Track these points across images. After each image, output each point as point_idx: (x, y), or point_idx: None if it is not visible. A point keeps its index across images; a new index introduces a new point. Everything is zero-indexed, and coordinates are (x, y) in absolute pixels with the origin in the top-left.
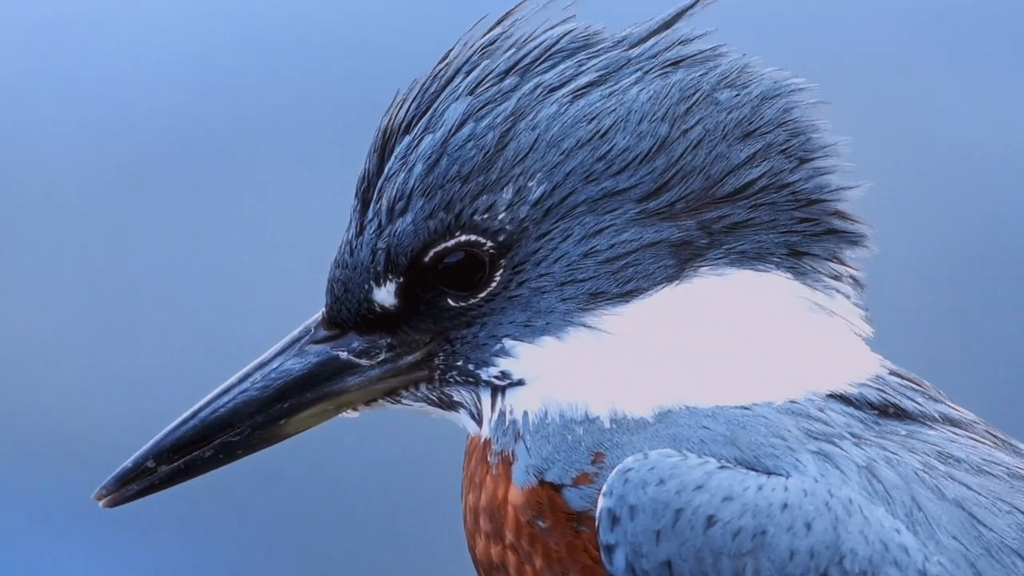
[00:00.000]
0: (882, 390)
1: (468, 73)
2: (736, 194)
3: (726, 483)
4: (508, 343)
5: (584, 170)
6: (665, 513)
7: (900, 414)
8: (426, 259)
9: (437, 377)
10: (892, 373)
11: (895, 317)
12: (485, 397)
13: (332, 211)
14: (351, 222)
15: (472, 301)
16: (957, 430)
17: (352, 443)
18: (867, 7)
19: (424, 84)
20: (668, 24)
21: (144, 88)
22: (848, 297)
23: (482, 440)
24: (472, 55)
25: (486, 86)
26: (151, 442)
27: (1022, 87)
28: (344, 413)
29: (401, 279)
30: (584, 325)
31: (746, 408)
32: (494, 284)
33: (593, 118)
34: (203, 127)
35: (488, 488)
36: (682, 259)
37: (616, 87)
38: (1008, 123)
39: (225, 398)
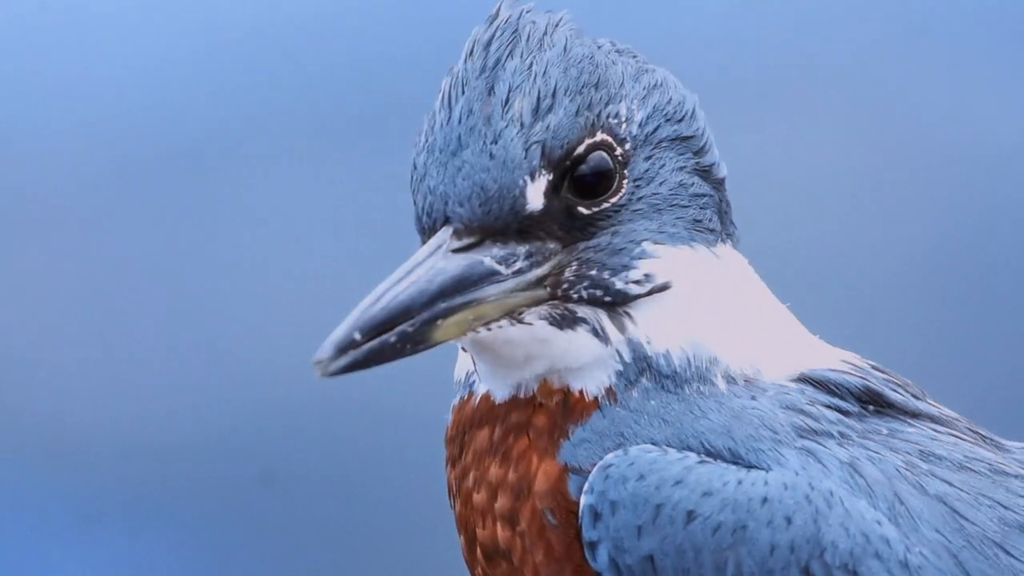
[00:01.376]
0: (865, 379)
1: (535, 20)
2: (719, 183)
3: (705, 478)
4: (649, 246)
5: (662, 109)
6: (646, 508)
7: (883, 406)
8: (580, 150)
9: (562, 292)
10: (874, 368)
11: (879, 316)
12: (607, 318)
13: (328, 210)
14: (467, 138)
15: (605, 206)
16: (939, 427)
17: (349, 441)
18: (853, 5)
19: (498, 24)
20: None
21: (138, 88)
22: None
23: (579, 391)
24: (525, 12)
25: (564, 26)
26: (353, 316)
27: (1009, 87)
28: (472, 331)
29: (551, 175)
30: (705, 244)
31: (753, 397)
32: (623, 192)
33: (646, 71)
34: (198, 127)
35: (525, 460)
36: (718, 225)
37: (639, 58)
38: (996, 122)
39: (400, 287)
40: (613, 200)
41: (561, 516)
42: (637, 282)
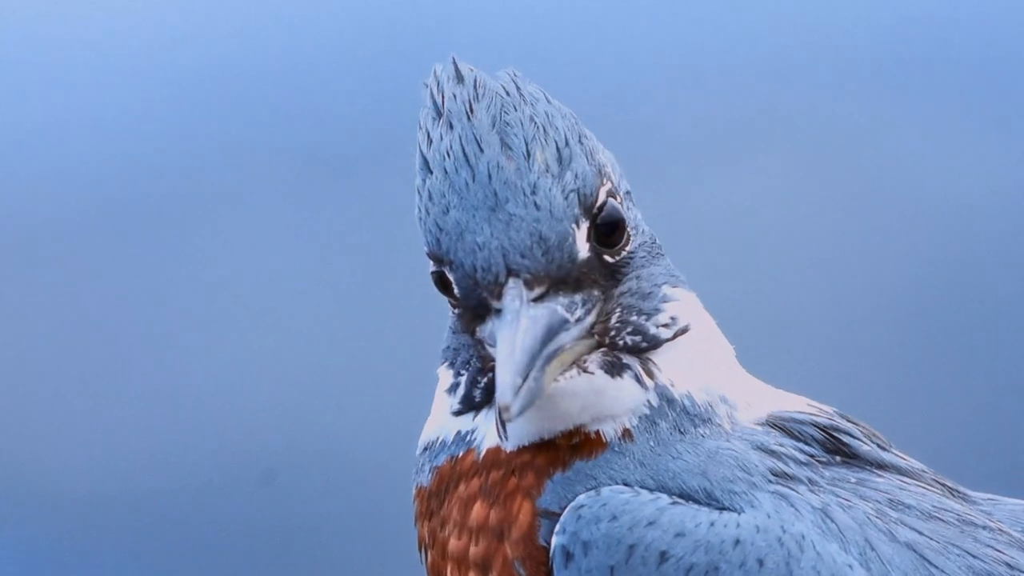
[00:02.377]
0: (831, 419)
1: (497, 77)
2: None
3: (678, 519)
4: (668, 289)
5: (611, 160)
6: (618, 549)
7: (850, 456)
8: (602, 198)
9: (609, 340)
10: (839, 415)
11: (845, 365)
12: (643, 364)
13: (301, 254)
14: (504, 192)
15: (624, 254)
16: (906, 479)
17: (346, 450)
18: (821, 50)
19: (474, 84)
20: None
21: (111, 132)
22: None
23: (594, 433)
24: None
25: (527, 85)
26: (513, 361)
27: (975, 135)
28: (553, 381)
29: (588, 222)
30: (689, 289)
31: (727, 439)
32: (632, 238)
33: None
34: (174, 171)
35: (512, 499)
36: None
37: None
38: (962, 171)
39: (520, 333)
40: (628, 248)
41: (531, 567)
42: (665, 326)
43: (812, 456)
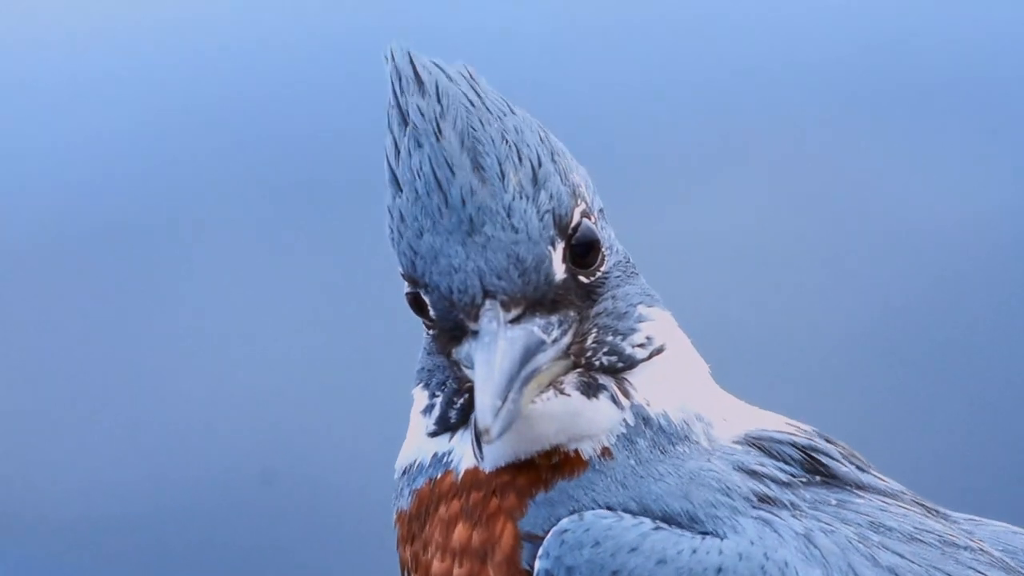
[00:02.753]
0: (810, 439)
1: (453, 80)
2: None
3: (660, 545)
4: (643, 308)
5: (584, 177)
6: (601, 575)
7: (830, 476)
8: (576, 218)
9: (585, 361)
10: (819, 435)
11: (825, 385)
12: (618, 384)
13: (292, 278)
14: (479, 217)
15: (599, 274)
16: (886, 499)
17: (347, 453)
18: (804, 72)
19: (435, 95)
20: None
21: (101, 156)
22: None
23: (573, 452)
24: (438, 74)
25: (490, 93)
26: (491, 383)
27: (962, 153)
28: (531, 403)
29: (563, 243)
30: (664, 308)
31: (708, 458)
32: (606, 258)
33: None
34: (162, 196)
35: (494, 520)
36: None
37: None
38: (949, 192)
39: (499, 354)
40: (603, 268)
41: None
42: (641, 345)
43: (792, 476)
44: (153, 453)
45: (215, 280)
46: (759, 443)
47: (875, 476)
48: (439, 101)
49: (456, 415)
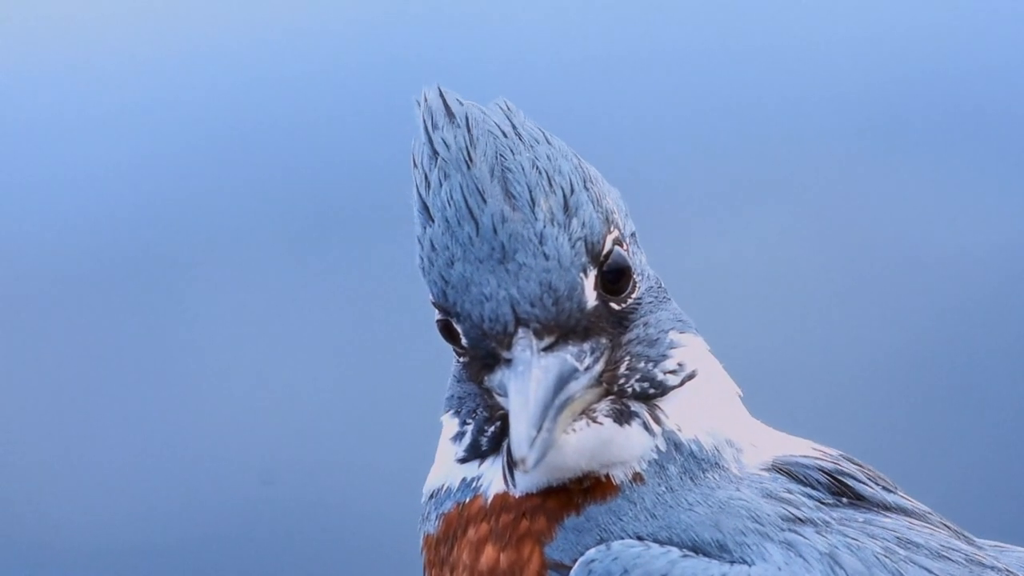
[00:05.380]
0: (836, 463)
1: (484, 113)
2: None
3: (688, 572)
4: (675, 335)
5: (617, 201)
6: None
7: (856, 498)
8: (608, 245)
9: (617, 388)
10: (845, 458)
11: (851, 409)
12: (650, 411)
13: (295, 309)
14: (511, 244)
15: (630, 301)
16: (913, 519)
17: (347, 463)
18: (824, 107)
19: (468, 126)
20: None
21: (110, 187)
22: None
23: (604, 477)
24: (470, 108)
25: (524, 122)
26: (527, 413)
27: (987, 186)
28: (564, 433)
29: (595, 271)
30: (700, 334)
31: (738, 487)
32: (638, 284)
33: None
34: (172, 227)
35: (523, 543)
36: None
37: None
38: (971, 221)
39: (532, 386)
40: (635, 295)
41: None
42: (673, 372)
43: (819, 501)
44: (160, 467)
45: (223, 302)
46: (786, 468)
47: (902, 497)
48: (469, 131)
49: (487, 443)
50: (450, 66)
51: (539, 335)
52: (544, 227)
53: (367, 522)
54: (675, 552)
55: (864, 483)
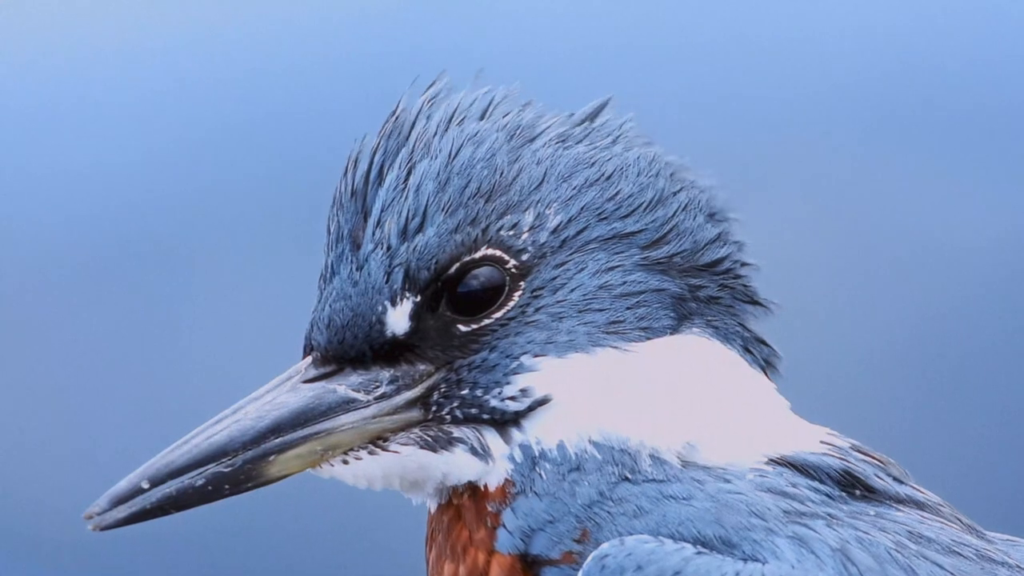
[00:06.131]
0: (844, 459)
1: (431, 116)
2: (710, 267)
3: (703, 569)
4: (528, 360)
5: (596, 208)
6: None
7: (867, 490)
8: (452, 271)
9: (433, 414)
10: (856, 449)
11: (858, 401)
12: (490, 433)
13: (296, 305)
14: (337, 265)
15: (486, 322)
16: (924, 513)
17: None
18: (828, 103)
19: (384, 133)
20: (597, 112)
21: (108, 182)
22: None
23: (483, 486)
24: (425, 107)
25: (467, 121)
26: (145, 465)
27: (996, 177)
28: (327, 463)
29: (418, 297)
30: (613, 345)
31: (727, 480)
32: (511, 305)
33: (593, 163)
34: (169, 221)
35: (469, 554)
36: (679, 314)
37: (599, 145)
38: (979, 212)
39: (218, 427)
40: (497, 315)
41: None
42: (513, 398)
43: (827, 495)
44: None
45: (223, 296)
46: (793, 463)
47: (914, 488)
48: (382, 132)
49: None
50: (456, 58)
51: (317, 363)
52: (372, 250)
53: (367, 521)
54: (689, 548)
55: (875, 477)
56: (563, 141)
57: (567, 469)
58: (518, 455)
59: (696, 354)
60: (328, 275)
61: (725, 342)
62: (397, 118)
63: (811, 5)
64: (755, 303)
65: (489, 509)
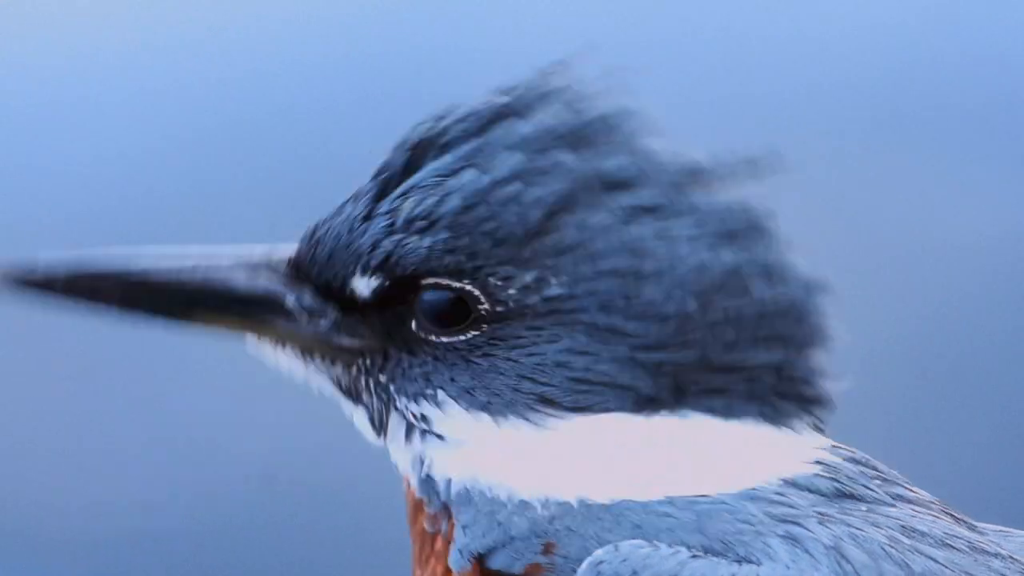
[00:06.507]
0: (835, 478)
1: (526, 119)
2: (726, 370)
3: (699, 573)
4: (442, 395)
5: (606, 298)
6: None
7: (856, 499)
8: (423, 283)
9: (356, 371)
10: (847, 459)
11: (858, 402)
12: (397, 422)
13: None
14: (360, 196)
15: (432, 339)
16: (915, 507)
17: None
18: (834, 98)
19: (477, 110)
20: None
21: (109, 184)
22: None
23: (411, 488)
24: (533, 100)
25: (544, 149)
26: (73, 257)
27: (1000, 175)
28: (249, 342)
29: (386, 283)
30: (526, 419)
31: (702, 496)
32: (462, 337)
33: (638, 255)
34: (171, 223)
35: (431, 567)
36: (643, 406)
37: (671, 231)
38: (984, 209)
39: (163, 265)
40: (444, 340)
41: None
42: (414, 415)
43: (817, 500)
44: (160, 462)
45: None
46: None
47: (904, 487)
48: (475, 118)
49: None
50: (456, 58)
51: (290, 262)
52: (382, 215)
53: (366, 520)
54: (684, 553)
55: (864, 489)
56: (643, 213)
57: (477, 504)
58: (414, 467)
59: (650, 426)
60: (351, 199)
61: (721, 415)
62: (499, 104)
63: (811, 2)
64: (798, 382)
65: (433, 516)
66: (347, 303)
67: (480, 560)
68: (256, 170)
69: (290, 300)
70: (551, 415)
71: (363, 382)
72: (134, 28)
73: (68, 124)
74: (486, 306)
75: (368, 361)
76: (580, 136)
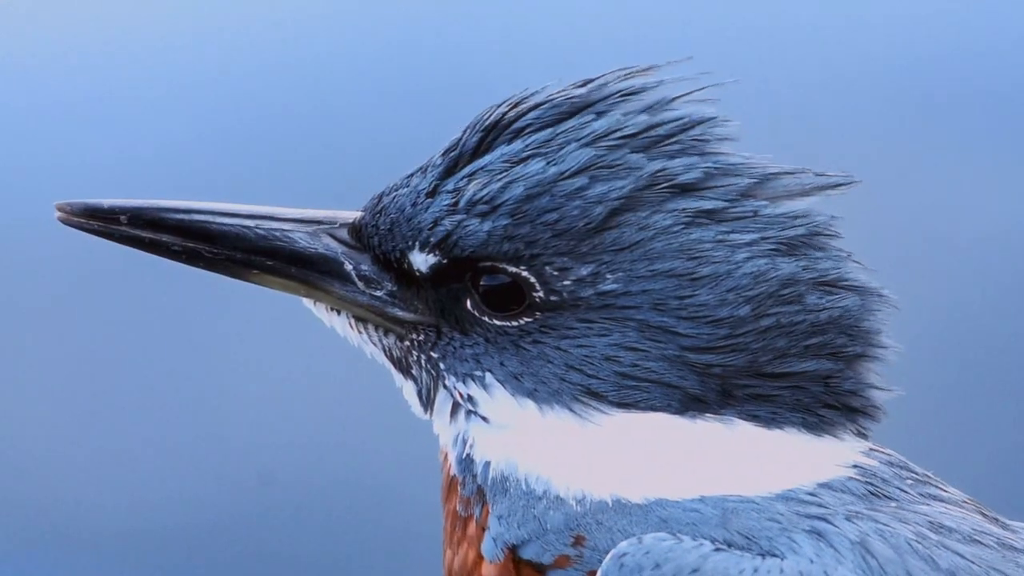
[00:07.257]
0: (868, 481)
1: (600, 116)
2: (774, 377)
3: (722, 566)
4: (490, 378)
5: (659, 298)
6: None
7: (887, 499)
8: (480, 265)
9: (409, 344)
10: (883, 462)
11: (893, 401)
12: (444, 398)
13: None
14: (428, 170)
15: (485, 320)
16: (946, 505)
17: (352, 447)
18: (863, 90)
19: (552, 99)
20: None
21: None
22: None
23: (448, 466)
24: (610, 97)
25: (614, 146)
26: (138, 201)
27: (1015, 170)
28: (306, 302)
29: (444, 262)
30: (570, 409)
31: (733, 495)
32: (513, 324)
33: (695, 258)
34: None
35: (463, 551)
36: (688, 406)
37: (730, 236)
38: (1002, 206)
39: (225, 220)
40: (498, 323)
41: None
42: (463, 396)
43: (849, 499)
44: (160, 462)
45: (227, 298)
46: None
47: (937, 487)
48: (551, 108)
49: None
50: (457, 58)
51: (350, 231)
52: (447, 191)
53: (366, 519)
54: (707, 545)
55: (898, 491)
56: (704, 217)
57: (513, 495)
58: (456, 446)
59: (694, 430)
60: (419, 171)
61: (766, 425)
62: (575, 96)
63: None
64: (845, 394)
65: (466, 501)
66: (404, 276)
67: (513, 550)
68: (258, 172)
69: (348, 266)
70: (595, 408)
71: (414, 356)
72: (134, 31)
73: (70, 126)
74: (540, 294)
75: (421, 336)
76: (652, 137)
